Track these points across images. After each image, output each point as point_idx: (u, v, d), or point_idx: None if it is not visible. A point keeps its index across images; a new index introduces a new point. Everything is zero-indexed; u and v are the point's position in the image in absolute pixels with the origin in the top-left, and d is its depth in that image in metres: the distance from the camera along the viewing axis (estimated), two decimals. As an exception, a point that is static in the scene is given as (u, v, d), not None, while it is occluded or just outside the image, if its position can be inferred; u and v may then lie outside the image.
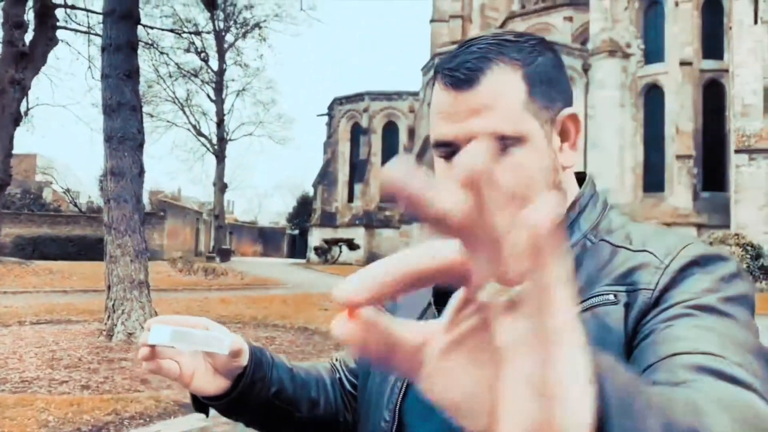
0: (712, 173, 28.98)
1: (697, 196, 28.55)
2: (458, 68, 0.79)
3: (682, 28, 29.14)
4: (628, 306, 0.74)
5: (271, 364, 0.96)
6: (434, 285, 0.85)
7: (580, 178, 0.92)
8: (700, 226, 27.03)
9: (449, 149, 0.81)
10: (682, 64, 28.99)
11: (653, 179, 29.93)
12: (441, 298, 0.87)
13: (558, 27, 35.02)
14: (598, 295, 0.76)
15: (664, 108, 29.80)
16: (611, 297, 0.75)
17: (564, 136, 0.84)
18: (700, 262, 0.75)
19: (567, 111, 0.83)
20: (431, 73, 31.68)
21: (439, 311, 0.85)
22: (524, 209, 0.77)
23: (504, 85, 0.78)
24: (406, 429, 0.84)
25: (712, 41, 29.27)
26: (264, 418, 0.98)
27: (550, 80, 0.82)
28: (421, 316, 0.88)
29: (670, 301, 0.72)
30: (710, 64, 29.47)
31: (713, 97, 29.28)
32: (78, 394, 5.85)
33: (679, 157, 28.51)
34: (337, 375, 1.07)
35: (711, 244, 21.71)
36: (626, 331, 0.73)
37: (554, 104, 0.82)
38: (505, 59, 0.79)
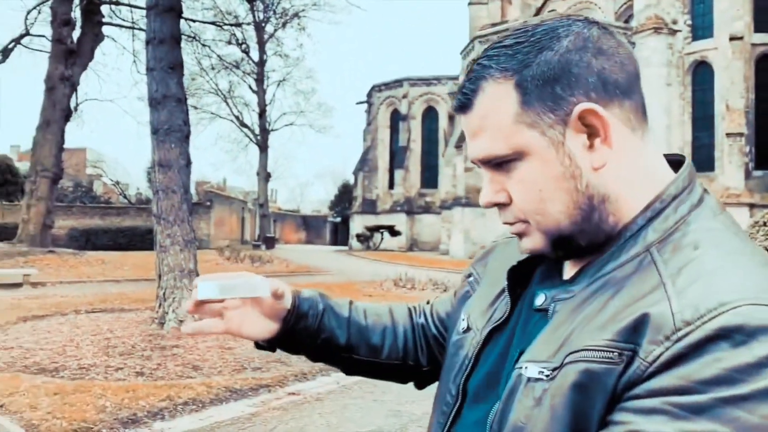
0: (766, 151, 27.96)
1: (750, 175, 27.61)
2: (458, 93, 0.78)
3: (731, 2, 28.07)
4: (626, 367, 0.62)
5: (319, 314, 1.02)
6: (510, 270, 0.86)
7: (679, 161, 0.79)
8: (752, 206, 26.15)
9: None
10: (732, 39, 27.92)
11: (703, 158, 29.02)
12: (517, 283, 0.86)
13: (600, 5, 34.15)
14: (601, 350, 0.64)
15: (713, 85, 28.83)
16: (615, 355, 0.63)
17: (592, 132, 0.72)
18: (729, 337, 0.58)
19: (580, 107, 0.71)
20: (470, 56, 31.31)
21: (512, 297, 0.84)
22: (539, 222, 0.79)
23: (492, 103, 0.74)
24: (464, 407, 0.85)
25: (765, 14, 28.11)
26: (321, 356, 1.06)
27: (554, 77, 0.71)
28: (495, 300, 0.88)
29: (658, 384, 0.59)
30: (762, 37, 28.32)
31: (766, 72, 28.18)
32: (133, 381, 6.03)
33: (729, 135, 27.57)
34: (421, 320, 1.10)
35: (765, 224, 20.95)
36: (614, 394, 0.62)
37: (563, 102, 0.72)
38: (496, 73, 0.74)
